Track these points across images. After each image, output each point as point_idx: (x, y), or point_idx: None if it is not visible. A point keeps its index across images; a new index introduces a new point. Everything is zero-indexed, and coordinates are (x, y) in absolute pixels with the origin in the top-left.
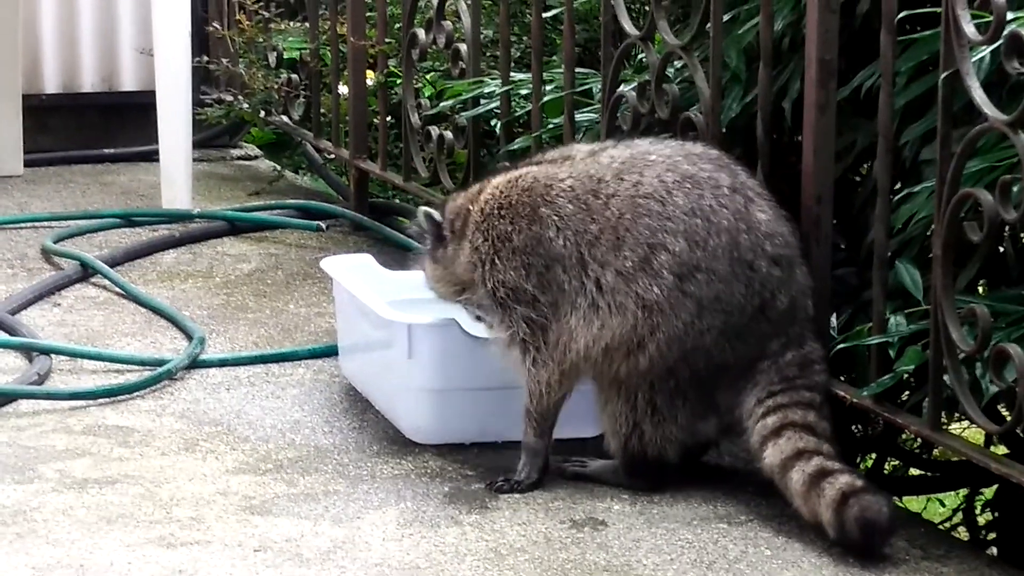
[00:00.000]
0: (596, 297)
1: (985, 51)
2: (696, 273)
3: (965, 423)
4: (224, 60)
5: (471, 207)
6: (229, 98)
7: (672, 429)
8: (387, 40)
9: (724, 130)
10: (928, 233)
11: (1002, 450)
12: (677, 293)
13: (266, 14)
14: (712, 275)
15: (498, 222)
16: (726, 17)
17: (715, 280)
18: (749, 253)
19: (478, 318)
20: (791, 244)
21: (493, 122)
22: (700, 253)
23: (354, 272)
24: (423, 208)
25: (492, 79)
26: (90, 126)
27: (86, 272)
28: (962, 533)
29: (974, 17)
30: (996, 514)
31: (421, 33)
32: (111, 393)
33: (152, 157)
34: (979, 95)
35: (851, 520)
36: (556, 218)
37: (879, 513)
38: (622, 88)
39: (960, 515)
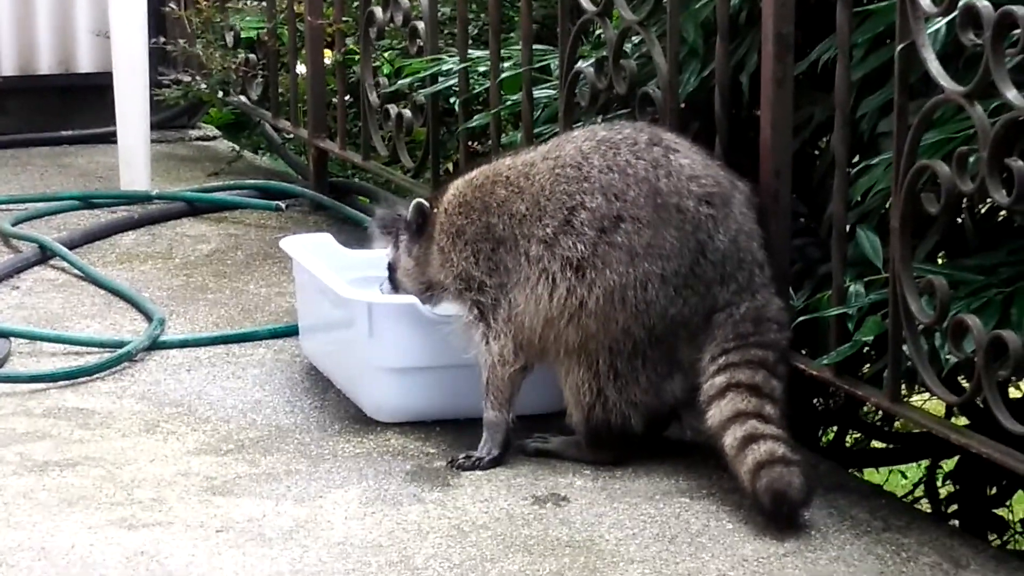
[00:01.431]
0: (528, 271)
1: (940, 23)
2: (620, 223)
3: (926, 395)
4: (181, 41)
5: (436, 210)
6: (187, 79)
7: (636, 392)
8: (344, 19)
9: (682, 105)
10: (887, 205)
11: (963, 421)
12: (604, 246)
13: None
14: (638, 223)
15: (456, 219)
16: None
17: (643, 226)
18: (673, 196)
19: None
20: (722, 184)
21: (452, 100)
22: (619, 204)
23: (314, 251)
24: (417, 199)
25: (450, 56)
26: (47, 108)
27: (45, 254)
28: (924, 505)
29: None
30: (957, 486)
31: (378, 11)
32: (71, 375)
33: (110, 139)
34: (935, 67)
35: (761, 490)
36: (496, 205)
37: (789, 485)
38: (580, 64)
39: (922, 487)
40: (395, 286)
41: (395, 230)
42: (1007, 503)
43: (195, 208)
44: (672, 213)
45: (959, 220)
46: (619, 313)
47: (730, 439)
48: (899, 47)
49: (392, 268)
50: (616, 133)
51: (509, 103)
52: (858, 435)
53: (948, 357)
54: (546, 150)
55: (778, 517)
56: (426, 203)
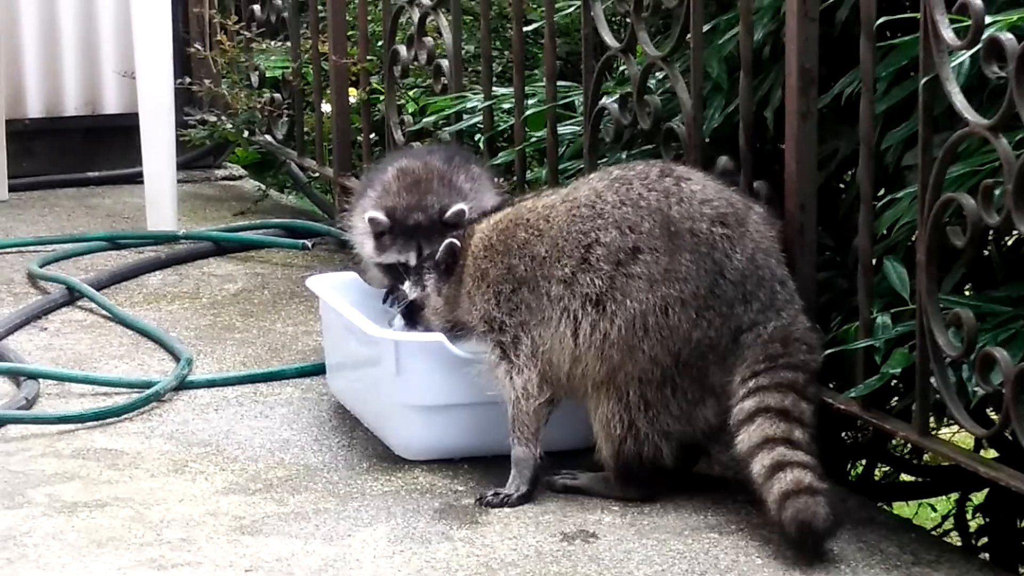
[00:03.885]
0: (551, 311)
1: (964, 56)
2: (638, 255)
3: (955, 427)
4: (206, 81)
5: (464, 252)
6: (212, 119)
7: (668, 421)
8: (369, 57)
9: (707, 140)
10: (912, 238)
11: (992, 454)
12: (623, 279)
13: (247, 34)
14: (655, 252)
15: (482, 262)
16: (706, 27)
17: (659, 255)
18: (686, 221)
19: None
20: (736, 205)
21: (476, 137)
22: (634, 236)
23: (340, 290)
24: (450, 240)
25: (474, 94)
26: (74, 150)
27: (72, 295)
28: (954, 538)
29: (952, 22)
30: (987, 519)
31: (403, 50)
32: (99, 416)
33: (137, 179)
34: (959, 100)
35: (788, 520)
36: (516, 247)
37: (814, 516)
38: (604, 100)
39: (951, 520)
40: (416, 322)
41: (420, 267)
42: None
43: (221, 248)
44: (686, 238)
45: (985, 252)
46: (643, 341)
47: (758, 467)
48: (923, 80)
49: (419, 305)
50: (629, 170)
51: (534, 140)
52: (887, 469)
53: (976, 390)
54: (565, 193)
55: (804, 547)
56: (458, 243)
